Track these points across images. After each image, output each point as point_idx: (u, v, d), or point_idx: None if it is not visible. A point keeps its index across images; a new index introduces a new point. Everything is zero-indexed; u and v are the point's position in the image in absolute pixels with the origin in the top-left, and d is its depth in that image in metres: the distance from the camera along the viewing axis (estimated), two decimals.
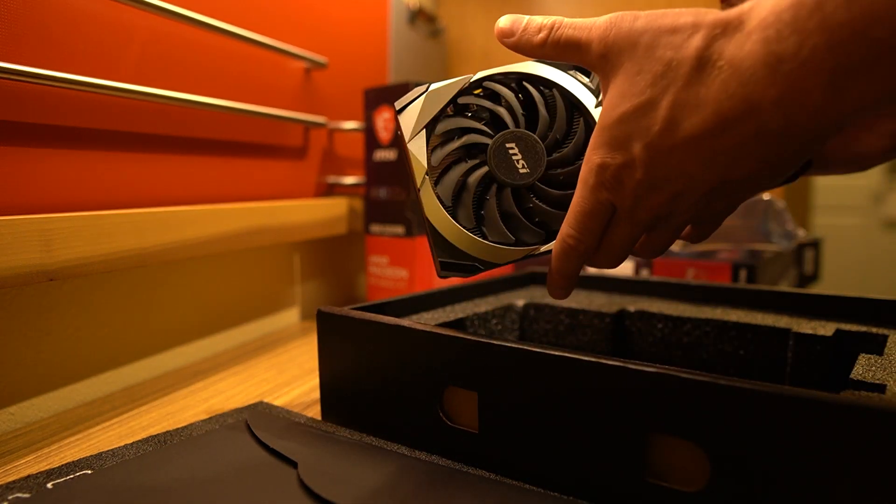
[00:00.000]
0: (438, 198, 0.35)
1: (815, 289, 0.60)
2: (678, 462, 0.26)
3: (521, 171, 0.34)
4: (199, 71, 0.56)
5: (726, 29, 0.25)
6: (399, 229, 0.67)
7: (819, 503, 0.23)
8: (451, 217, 0.35)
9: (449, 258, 0.35)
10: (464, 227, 0.34)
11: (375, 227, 0.70)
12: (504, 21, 0.33)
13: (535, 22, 0.32)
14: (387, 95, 0.67)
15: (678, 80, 0.26)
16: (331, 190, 0.76)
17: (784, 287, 0.46)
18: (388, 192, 0.68)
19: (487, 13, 1.05)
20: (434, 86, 0.35)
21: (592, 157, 0.29)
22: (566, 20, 0.31)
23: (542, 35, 0.31)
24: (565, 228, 0.32)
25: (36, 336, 0.44)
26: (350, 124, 0.75)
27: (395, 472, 0.31)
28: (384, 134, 0.68)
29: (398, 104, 0.36)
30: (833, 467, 0.22)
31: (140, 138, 0.51)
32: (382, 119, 0.68)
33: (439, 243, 0.35)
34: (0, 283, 0.37)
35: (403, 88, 0.65)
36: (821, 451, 0.23)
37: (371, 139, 0.69)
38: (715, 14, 0.25)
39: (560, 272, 0.33)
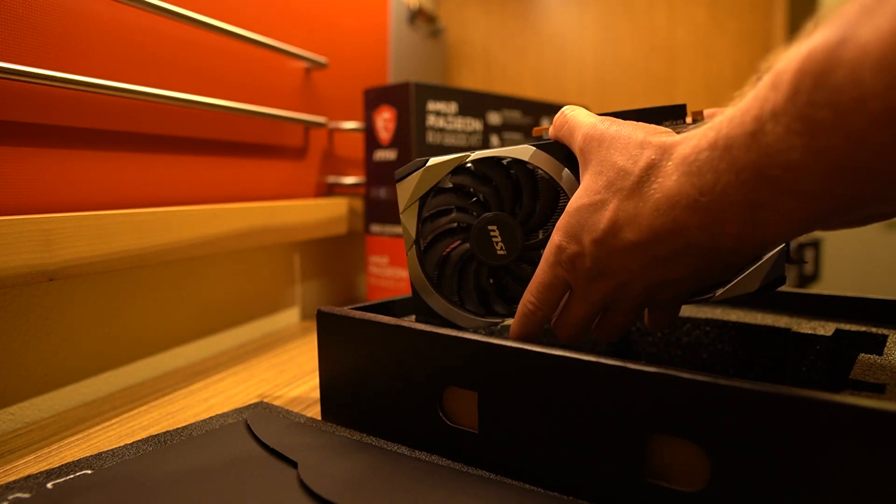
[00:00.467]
0: (423, 267, 0.39)
1: (815, 289, 0.60)
2: (678, 462, 0.26)
3: (499, 252, 0.36)
4: (199, 71, 0.56)
5: (663, 155, 0.28)
6: (399, 229, 0.67)
7: (819, 503, 0.23)
8: (432, 284, 0.39)
9: (425, 316, 0.39)
10: (443, 296, 0.38)
11: (375, 227, 0.70)
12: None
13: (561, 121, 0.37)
14: (387, 95, 0.67)
15: (624, 189, 0.29)
16: (331, 190, 0.76)
17: (784, 287, 0.46)
18: (388, 192, 0.68)
19: (487, 13, 1.05)
20: (432, 161, 0.38)
21: (554, 237, 0.32)
22: (580, 113, 0.35)
23: (558, 122, 0.36)
24: (527, 295, 0.35)
25: (36, 336, 0.44)
26: (350, 124, 0.75)
27: (395, 471, 0.31)
28: (384, 134, 0.68)
29: (398, 174, 0.39)
30: (833, 467, 0.22)
31: (140, 138, 0.51)
32: (382, 119, 0.68)
33: (418, 305, 0.39)
34: (0, 283, 0.37)
35: (403, 88, 0.65)
36: (821, 451, 0.23)
37: (371, 139, 0.69)
38: (661, 138, 0.28)
39: (518, 335, 0.36)
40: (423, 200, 0.38)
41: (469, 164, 0.37)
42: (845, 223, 0.33)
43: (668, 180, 0.27)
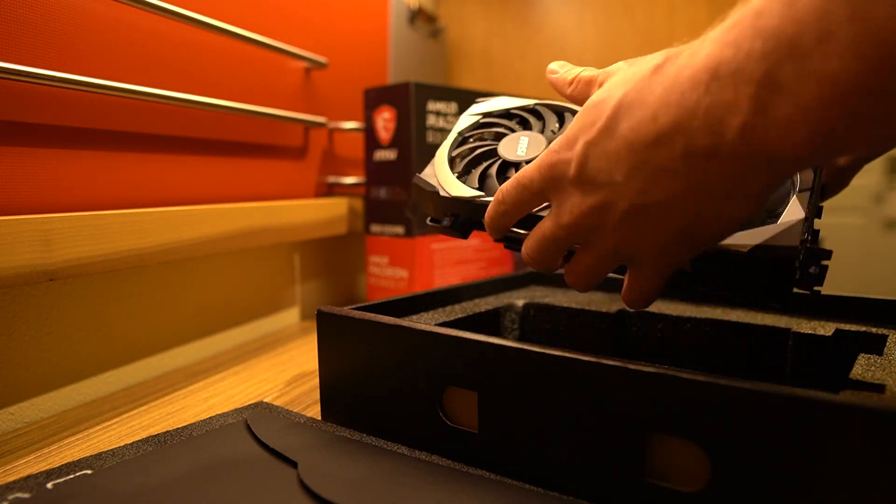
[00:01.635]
0: (449, 149, 0.42)
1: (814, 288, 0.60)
2: (678, 462, 0.26)
3: (517, 153, 0.39)
4: (199, 71, 0.56)
5: (687, 48, 0.25)
6: (399, 229, 0.67)
7: (819, 503, 0.23)
8: (449, 161, 0.42)
9: (416, 200, 0.42)
10: (451, 168, 0.41)
11: (375, 227, 0.70)
12: (553, 64, 0.40)
13: (572, 73, 0.37)
14: (387, 95, 0.67)
15: (633, 81, 0.27)
16: (331, 190, 0.76)
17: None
18: (388, 192, 0.68)
19: (487, 13, 1.05)
20: (483, 107, 0.45)
21: (550, 147, 0.31)
22: (589, 71, 0.35)
23: (572, 83, 0.36)
24: (503, 186, 0.34)
25: (36, 336, 0.44)
26: (350, 124, 0.75)
27: (395, 471, 0.31)
28: (384, 134, 0.68)
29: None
30: (833, 467, 0.22)
31: (140, 138, 0.51)
32: (382, 119, 0.68)
33: (417, 190, 0.42)
34: (0, 283, 0.37)
35: (404, 88, 0.65)
36: (820, 451, 0.23)
37: (371, 139, 0.69)
38: (675, 49, 0.26)
39: (488, 225, 0.36)
40: (463, 134, 0.43)
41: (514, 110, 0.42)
42: (855, 148, 0.24)
43: (689, 63, 0.24)
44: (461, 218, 0.40)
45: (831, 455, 0.22)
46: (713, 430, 0.25)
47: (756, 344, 0.41)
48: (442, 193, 0.40)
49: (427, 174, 0.42)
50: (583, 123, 0.29)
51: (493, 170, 0.39)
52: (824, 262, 0.33)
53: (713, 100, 0.23)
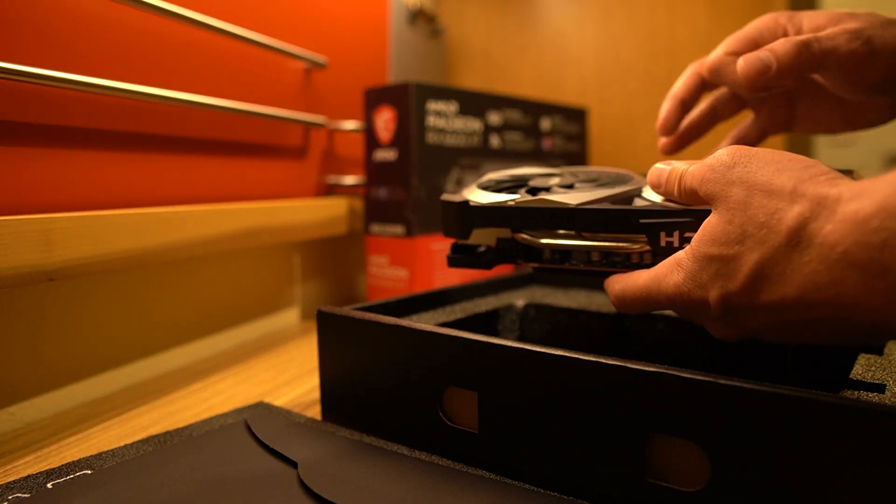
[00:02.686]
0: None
1: None
2: (678, 462, 0.26)
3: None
4: (199, 71, 0.56)
5: (822, 212, 0.23)
6: (399, 229, 0.67)
7: (819, 503, 0.23)
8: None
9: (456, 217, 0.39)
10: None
11: (375, 227, 0.70)
12: (651, 175, 0.35)
13: (671, 177, 0.33)
14: (387, 95, 0.67)
15: (767, 247, 0.25)
16: (331, 190, 0.76)
17: None
18: (388, 192, 0.68)
19: (487, 13, 1.05)
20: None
21: (674, 277, 0.30)
22: (689, 170, 0.31)
23: (676, 189, 0.33)
24: (628, 295, 0.33)
25: (36, 336, 0.44)
26: (350, 124, 0.75)
27: (395, 472, 0.31)
28: (384, 134, 0.68)
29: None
30: (833, 467, 0.22)
31: (140, 138, 0.51)
32: (382, 119, 0.68)
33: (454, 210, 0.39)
34: (0, 283, 0.37)
35: (403, 88, 0.65)
36: (821, 451, 0.23)
37: (371, 139, 0.69)
38: (816, 186, 0.24)
39: (615, 296, 0.35)
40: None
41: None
42: None
43: (835, 249, 0.22)
44: (499, 246, 0.38)
45: (831, 455, 0.22)
46: (713, 430, 0.25)
47: (756, 344, 0.41)
48: (473, 203, 0.38)
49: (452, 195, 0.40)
50: (711, 263, 0.28)
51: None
52: None
53: (880, 302, 0.22)
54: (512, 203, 0.37)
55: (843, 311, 0.23)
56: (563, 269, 0.37)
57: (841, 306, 0.23)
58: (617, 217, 0.34)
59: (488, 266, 0.40)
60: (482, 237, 0.40)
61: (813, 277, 0.23)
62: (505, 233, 0.39)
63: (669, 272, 0.30)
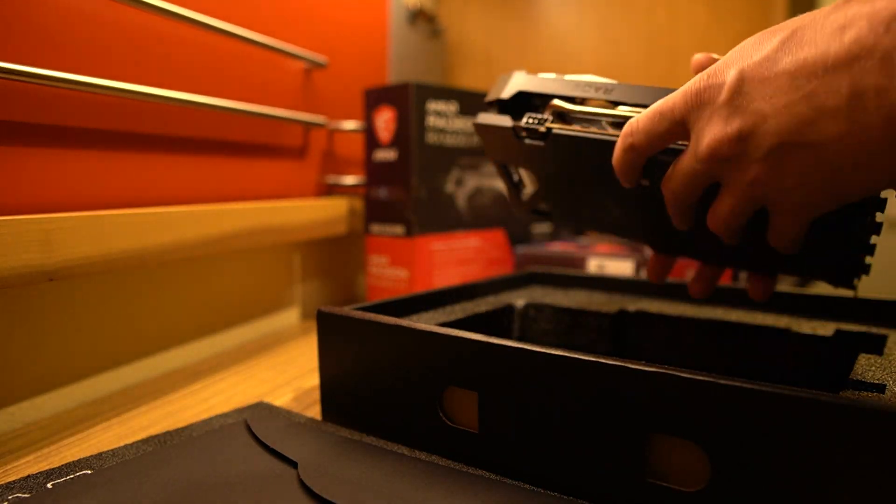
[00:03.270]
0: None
1: (815, 289, 0.60)
2: (678, 462, 0.26)
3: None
4: (198, 71, 0.56)
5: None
6: (399, 229, 0.67)
7: (819, 503, 0.23)
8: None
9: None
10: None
11: (375, 227, 0.70)
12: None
13: None
14: (387, 95, 0.67)
15: (806, 17, 0.25)
16: (331, 190, 0.76)
17: (784, 287, 0.46)
18: (388, 192, 0.68)
19: (488, 13, 1.05)
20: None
21: (697, 76, 0.29)
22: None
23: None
24: (631, 121, 0.32)
25: (36, 336, 0.44)
26: (350, 124, 0.75)
27: (395, 472, 0.31)
28: (384, 134, 0.68)
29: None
30: (833, 467, 0.22)
31: (140, 138, 0.51)
32: (382, 119, 0.68)
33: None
34: (0, 283, 0.37)
35: (403, 88, 0.65)
36: (821, 451, 0.23)
37: (371, 139, 0.69)
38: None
39: (616, 160, 0.33)
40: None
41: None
42: None
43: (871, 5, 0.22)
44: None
45: (831, 455, 0.23)
46: (713, 430, 0.25)
47: (756, 344, 0.41)
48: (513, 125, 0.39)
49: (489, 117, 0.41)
50: (741, 52, 0.27)
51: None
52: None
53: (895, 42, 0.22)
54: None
55: (856, 65, 0.23)
56: (584, 136, 0.37)
57: (855, 60, 0.23)
58: (653, 94, 0.34)
59: (516, 117, 0.40)
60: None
61: (840, 33, 0.23)
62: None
63: (690, 82, 0.30)
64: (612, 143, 0.34)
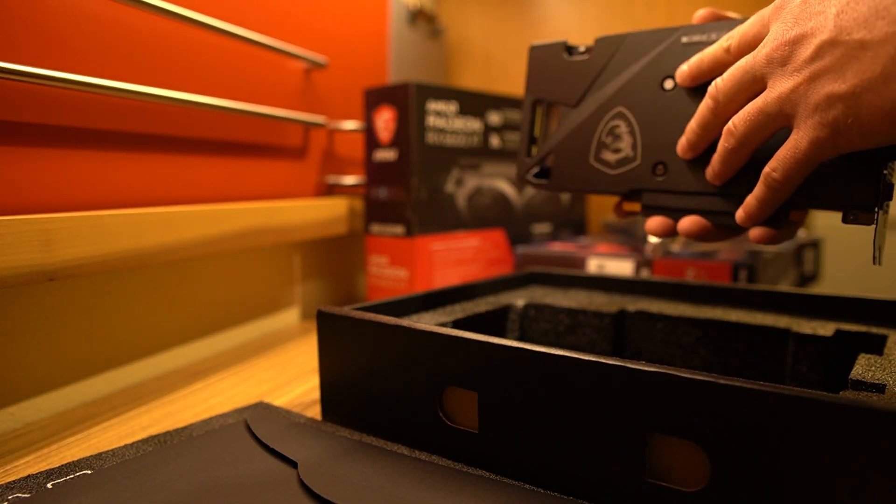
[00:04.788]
0: None
1: (815, 289, 0.60)
2: (678, 462, 0.26)
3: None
4: (199, 71, 0.56)
5: None
6: (399, 229, 0.67)
7: (819, 503, 0.23)
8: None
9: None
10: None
11: (375, 227, 0.70)
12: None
13: None
14: (387, 95, 0.67)
15: None
16: (331, 190, 0.76)
17: (784, 287, 0.46)
18: (388, 192, 0.68)
19: (487, 13, 1.05)
20: None
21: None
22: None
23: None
24: (716, 81, 0.34)
25: (36, 336, 0.44)
26: (350, 124, 0.75)
27: (395, 472, 0.31)
28: (384, 134, 0.68)
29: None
30: (833, 467, 0.22)
31: (140, 138, 0.51)
32: (382, 119, 0.68)
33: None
34: (0, 283, 0.37)
35: (403, 88, 0.65)
36: (821, 451, 0.23)
37: (371, 139, 0.69)
38: None
39: (695, 130, 0.36)
40: None
41: None
42: None
43: None
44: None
45: (831, 455, 0.23)
46: (713, 430, 0.25)
47: (756, 344, 0.41)
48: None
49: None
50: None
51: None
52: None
53: None
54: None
55: None
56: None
57: None
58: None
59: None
60: None
61: None
62: None
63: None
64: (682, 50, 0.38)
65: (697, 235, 0.38)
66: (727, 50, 0.35)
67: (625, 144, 0.41)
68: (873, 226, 0.33)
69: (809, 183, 0.33)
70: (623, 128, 0.41)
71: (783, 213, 0.36)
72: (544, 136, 0.45)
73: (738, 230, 0.38)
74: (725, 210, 0.37)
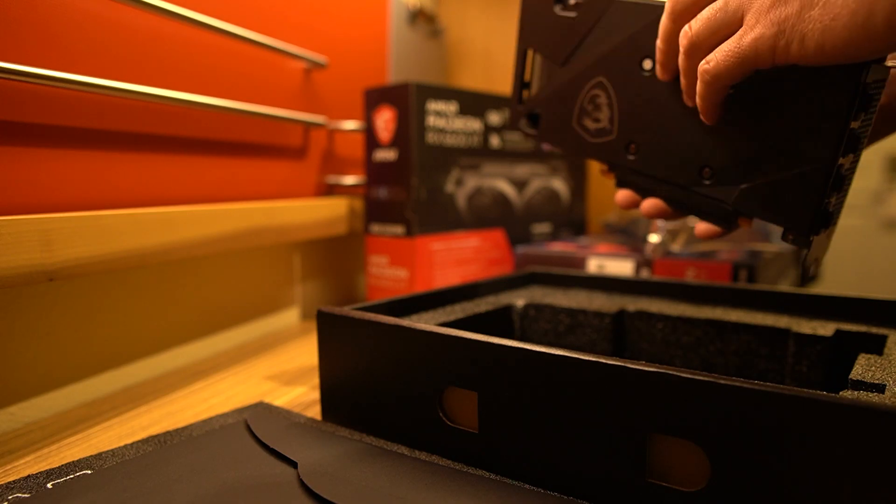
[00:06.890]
0: None
1: (815, 289, 0.60)
2: (678, 462, 0.26)
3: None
4: (199, 71, 0.56)
5: None
6: (399, 229, 0.67)
7: (819, 503, 0.23)
8: None
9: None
10: None
11: (375, 227, 0.70)
12: None
13: None
14: (387, 95, 0.67)
15: None
16: (331, 190, 0.76)
17: (784, 287, 0.46)
18: (388, 192, 0.68)
19: (487, 13, 1.05)
20: None
21: None
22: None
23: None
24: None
25: (36, 336, 0.44)
26: (350, 124, 0.75)
27: (395, 472, 0.31)
28: (384, 134, 0.68)
29: None
30: (833, 467, 0.23)
31: (140, 138, 0.51)
32: (382, 119, 0.68)
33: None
34: (0, 283, 0.37)
35: (404, 88, 0.65)
36: (821, 451, 0.23)
37: (371, 139, 0.69)
38: None
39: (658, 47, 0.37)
40: None
41: None
42: None
43: None
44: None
45: (831, 455, 0.23)
46: (713, 430, 0.25)
47: (756, 344, 0.41)
48: None
49: None
50: None
51: None
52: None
53: None
54: None
55: None
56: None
57: None
58: None
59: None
60: None
61: None
62: None
63: None
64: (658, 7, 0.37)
65: (654, 216, 0.41)
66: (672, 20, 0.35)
67: (603, 116, 0.41)
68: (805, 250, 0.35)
69: (760, 195, 0.35)
70: (603, 98, 0.41)
71: (732, 218, 0.38)
72: (537, 81, 0.46)
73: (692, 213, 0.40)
74: (686, 204, 0.39)
